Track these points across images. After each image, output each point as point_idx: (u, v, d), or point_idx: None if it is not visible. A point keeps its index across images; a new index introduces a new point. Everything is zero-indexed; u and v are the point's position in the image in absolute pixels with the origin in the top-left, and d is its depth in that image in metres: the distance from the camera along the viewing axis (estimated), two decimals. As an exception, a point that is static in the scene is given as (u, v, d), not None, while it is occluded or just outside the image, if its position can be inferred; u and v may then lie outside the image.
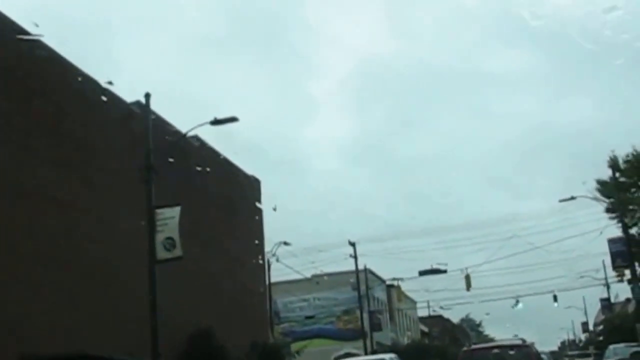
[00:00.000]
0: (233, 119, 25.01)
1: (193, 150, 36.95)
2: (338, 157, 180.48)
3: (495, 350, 19.78)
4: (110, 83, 24.57)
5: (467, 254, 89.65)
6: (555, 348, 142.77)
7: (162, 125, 30.93)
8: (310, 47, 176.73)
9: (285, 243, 45.67)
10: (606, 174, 46.86)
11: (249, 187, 43.22)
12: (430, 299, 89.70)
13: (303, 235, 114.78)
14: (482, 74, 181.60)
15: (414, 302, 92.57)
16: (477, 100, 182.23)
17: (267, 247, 45.46)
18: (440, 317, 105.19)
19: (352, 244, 56.56)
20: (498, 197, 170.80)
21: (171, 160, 27.16)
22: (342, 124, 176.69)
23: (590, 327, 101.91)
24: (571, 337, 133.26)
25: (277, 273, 69.68)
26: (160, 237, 24.05)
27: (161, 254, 24.00)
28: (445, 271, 48.27)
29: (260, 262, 42.98)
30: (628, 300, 71.01)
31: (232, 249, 39.40)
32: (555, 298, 62.51)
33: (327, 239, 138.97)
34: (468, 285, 47.65)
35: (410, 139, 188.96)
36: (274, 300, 46.24)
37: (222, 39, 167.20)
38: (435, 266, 49.23)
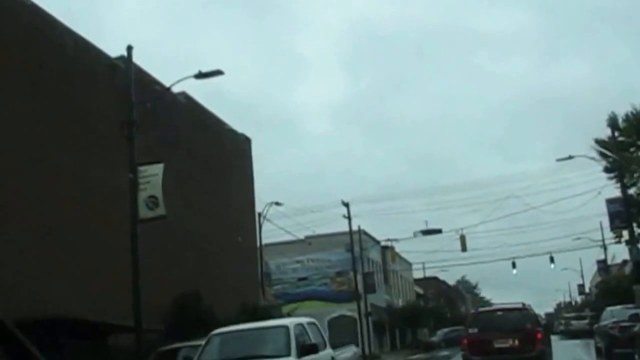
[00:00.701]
0: (218, 72, 23.98)
1: (180, 107, 35.97)
2: (329, 118, 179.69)
3: (499, 313, 22.46)
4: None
5: (461, 214, 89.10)
6: (551, 310, 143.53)
7: (146, 80, 29.86)
8: (302, 6, 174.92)
9: (277, 203, 44.77)
10: (602, 135, 45.91)
11: (239, 146, 42.28)
12: (426, 260, 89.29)
13: (295, 196, 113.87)
14: (475, 34, 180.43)
15: (409, 264, 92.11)
16: (470, 61, 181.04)
17: (258, 208, 44.65)
18: (435, 279, 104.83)
19: (346, 205, 55.61)
20: (491, 159, 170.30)
21: (154, 113, 26.05)
22: (334, 85, 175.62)
23: (587, 290, 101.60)
24: (567, 299, 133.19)
25: (270, 234, 69.26)
26: (142, 196, 23.13)
27: (144, 213, 23.10)
28: (440, 231, 47.31)
29: (251, 222, 42.11)
30: (624, 262, 70.52)
31: (221, 209, 38.56)
32: (552, 259, 61.84)
33: (320, 200, 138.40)
34: (463, 246, 46.94)
35: (403, 100, 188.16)
36: (266, 262, 45.43)
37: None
38: (429, 227, 48.44)
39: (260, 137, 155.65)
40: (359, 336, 57.84)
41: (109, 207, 25.88)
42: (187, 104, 36.85)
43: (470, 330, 22.04)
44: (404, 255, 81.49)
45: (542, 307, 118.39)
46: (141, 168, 23.47)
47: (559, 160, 40.11)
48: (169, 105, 34.45)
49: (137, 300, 22.42)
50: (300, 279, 69.30)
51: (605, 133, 47.26)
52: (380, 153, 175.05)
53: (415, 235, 48.41)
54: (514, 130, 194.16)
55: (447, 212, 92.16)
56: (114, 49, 29.71)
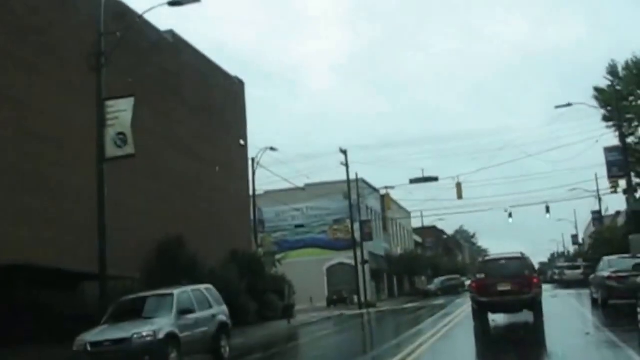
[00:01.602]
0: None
1: (167, 46, 33.10)
2: (332, 73, 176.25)
3: (502, 261, 24.71)
4: None
5: (459, 163, 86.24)
6: (544, 259, 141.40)
7: (125, 11, 26.86)
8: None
9: (272, 149, 41.99)
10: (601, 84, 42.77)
11: (231, 89, 39.40)
12: (424, 208, 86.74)
13: (295, 148, 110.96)
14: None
15: (407, 213, 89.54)
16: (468, 20, 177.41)
17: (253, 153, 41.95)
18: (434, 228, 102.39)
19: (344, 152, 52.79)
20: (490, 113, 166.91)
21: (137, 50, 23.17)
22: (335, 40, 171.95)
23: (580, 240, 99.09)
24: (561, 249, 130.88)
25: (268, 181, 66.60)
26: (110, 133, 20.38)
27: (111, 151, 20.38)
28: (436, 179, 44.40)
29: (243, 167, 39.45)
30: (618, 213, 68.11)
31: (212, 152, 35.91)
32: (547, 209, 58.87)
33: (318, 149, 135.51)
34: (459, 194, 43.99)
35: (405, 57, 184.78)
36: (260, 208, 42.84)
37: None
38: (427, 175, 45.60)
39: (263, 92, 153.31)
40: (357, 284, 55.18)
41: (79, 144, 23.14)
42: (175, 43, 33.94)
43: (478, 276, 24.58)
44: (402, 204, 78.88)
45: (537, 257, 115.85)
46: (109, 103, 20.69)
47: (558, 107, 37.26)
48: (155, 44, 31.66)
49: (102, 244, 19.85)
50: (298, 226, 66.78)
51: (604, 84, 44.35)
52: (382, 107, 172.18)
53: (411, 182, 45.50)
54: (512, 87, 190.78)
55: (445, 161, 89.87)
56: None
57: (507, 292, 22.84)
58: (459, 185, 43.75)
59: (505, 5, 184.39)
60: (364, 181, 67.30)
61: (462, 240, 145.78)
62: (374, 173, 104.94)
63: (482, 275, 24.01)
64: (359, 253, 58.98)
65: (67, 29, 24.32)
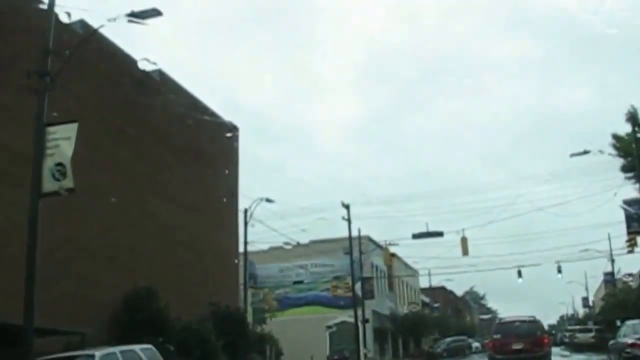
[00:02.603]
0: (154, 12, 17.56)
1: (153, 85, 29.71)
2: (342, 135, 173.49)
3: (516, 323, 26.27)
4: None
5: (465, 219, 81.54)
6: (554, 322, 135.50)
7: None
8: (318, 28, 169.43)
9: (268, 200, 38.22)
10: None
11: (224, 135, 35.79)
12: (429, 266, 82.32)
13: (297, 203, 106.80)
14: (483, 60, 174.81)
15: (415, 271, 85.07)
16: (479, 85, 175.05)
17: (247, 205, 38.20)
18: (443, 288, 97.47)
19: (346, 206, 48.80)
20: (498, 177, 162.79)
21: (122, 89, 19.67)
22: (348, 104, 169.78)
23: (590, 303, 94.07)
24: (570, 312, 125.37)
25: (264, 236, 62.52)
26: (49, 163, 16.73)
27: (48, 185, 16.68)
28: (441, 234, 40.28)
29: (232, 218, 35.60)
30: (630, 275, 63.86)
31: (198, 201, 32.17)
32: (559, 269, 54.12)
33: (323, 206, 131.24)
34: (465, 250, 39.71)
35: (414, 120, 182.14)
36: (251, 262, 38.78)
37: (232, 18, 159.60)
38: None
39: (275, 150, 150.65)
40: (358, 343, 50.71)
41: (19, 175, 19.46)
42: (162, 82, 30.56)
43: (495, 336, 26.44)
44: (405, 260, 74.52)
45: (546, 319, 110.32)
46: (50, 129, 17.09)
47: (573, 155, 33.25)
48: (142, 82, 28.32)
49: (30, 292, 15.98)
50: (296, 282, 62.59)
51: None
52: (390, 168, 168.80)
53: (414, 237, 41.35)
54: (519, 149, 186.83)
55: (452, 217, 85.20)
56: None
57: (521, 350, 24.60)
58: (464, 240, 39.58)
59: (515, 70, 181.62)
60: (369, 239, 63.34)
61: (472, 301, 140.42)
62: (381, 231, 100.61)
63: (498, 336, 25.90)
64: (360, 312, 54.91)
65: (16, 45, 20.88)
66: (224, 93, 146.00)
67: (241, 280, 36.80)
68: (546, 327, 59.09)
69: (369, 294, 53.74)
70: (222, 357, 27.83)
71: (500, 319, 32.49)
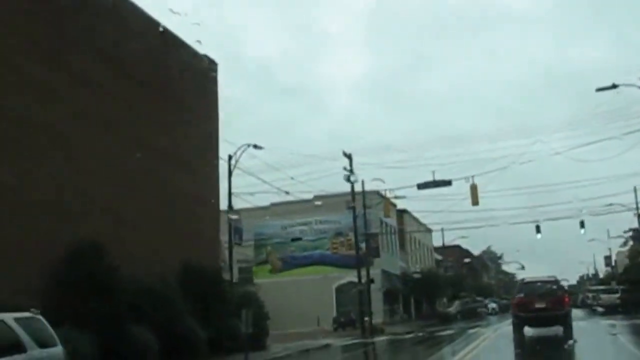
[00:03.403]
0: None
1: (108, 10, 25.19)
2: (350, 92, 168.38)
3: (538, 283, 27.58)
4: None
5: (475, 168, 76.11)
6: (573, 282, 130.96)
7: None
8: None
9: (256, 146, 33.80)
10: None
11: (200, 71, 31.28)
12: (441, 221, 77.60)
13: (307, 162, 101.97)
14: (495, 14, 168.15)
15: (427, 229, 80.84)
16: (489, 40, 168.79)
17: (230, 150, 33.88)
18: (457, 247, 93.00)
19: (348, 156, 44.16)
20: (508, 134, 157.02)
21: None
22: (356, 60, 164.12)
23: (613, 262, 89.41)
24: (591, 271, 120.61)
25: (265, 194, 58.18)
26: None
27: None
28: (449, 183, 35.33)
29: (211, 164, 31.21)
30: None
31: (167, 144, 27.82)
32: (582, 223, 48.86)
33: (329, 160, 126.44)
34: (474, 199, 34.75)
35: (423, 76, 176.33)
36: (238, 216, 34.35)
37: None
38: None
39: (282, 106, 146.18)
40: (361, 304, 46.55)
41: None
42: (119, 5, 26.00)
43: (518, 295, 26.97)
44: (415, 216, 70.05)
45: (564, 280, 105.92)
46: None
47: (599, 89, 28.59)
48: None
49: None
50: (294, 239, 58.37)
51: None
52: (400, 126, 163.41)
53: (419, 187, 36.48)
54: (533, 106, 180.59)
55: (462, 168, 79.65)
56: None
57: (542, 309, 25.38)
58: (474, 189, 34.67)
59: (527, 25, 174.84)
60: (378, 193, 58.86)
61: (489, 261, 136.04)
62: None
63: (521, 295, 26.63)
64: (366, 270, 50.62)
65: None
66: (228, 48, 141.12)
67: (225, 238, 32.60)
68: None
69: (374, 251, 49.41)
70: (190, 323, 23.69)
71: (523, 279, 31.49)
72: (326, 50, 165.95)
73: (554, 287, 27.19)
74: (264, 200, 53.93)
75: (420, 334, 35.07)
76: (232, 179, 33.84)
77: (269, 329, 29.38)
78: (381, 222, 61.63)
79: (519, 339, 24.61)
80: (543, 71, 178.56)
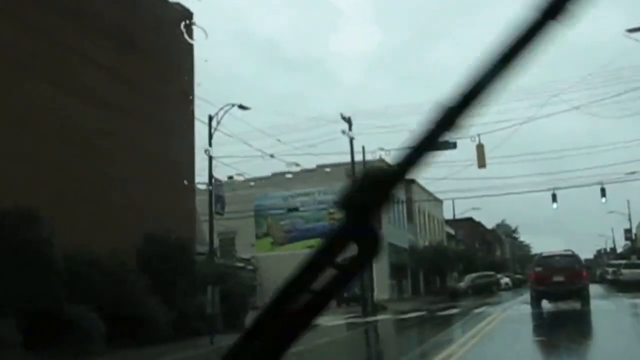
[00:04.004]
0: None
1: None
2: (358, 64, 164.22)
3: (556, 257, 27.97)
4: None
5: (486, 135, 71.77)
6: (590, 256, 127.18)
7: None
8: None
9: (241, 106, 30.37)
10: None
11: (172, 21, 27.72)
12: (448, 189, 74.08)
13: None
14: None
15: (439, 202, 77.27)
16: (503, 12, 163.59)
17: (211, 110, 30.44)
18: (470, 220, 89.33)
19: (347, 120, 40.46)
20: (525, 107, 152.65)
21: None
22: (364, 32, 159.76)
23: (633, 236, 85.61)
24: (610, 245, 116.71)
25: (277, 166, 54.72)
26: None
27: None
28: (454, 145, 31.13)
29: (185, 124, 27.77)
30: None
31: (131, 101, 24.47)
32: (603, 192, 44.34)
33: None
34: (481, 161, 30.61)
35: (435, 51, 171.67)
36: (218, 181, 30.80)
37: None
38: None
39: (291, 79, 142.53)
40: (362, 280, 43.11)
41: None
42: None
43: (536, 269, 27.81)
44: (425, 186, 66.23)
45: (582, 253, 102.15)
46: None
47: (630, 30, 24.94)
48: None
49: None
50: (291, 210, 54.94)
51: None
52: (409, 99, 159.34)
53: None
54: (547, 79, 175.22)
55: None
56: None
57: (560, 282, 25.57)
58: (480, 149, 30.73)
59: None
60: (383, 161, 55.29)
61: (503, 235, 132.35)
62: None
63: (540, 268, 26.99)
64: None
65: None
66: (235, 22, 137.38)
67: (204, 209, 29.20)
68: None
69: (376, 223, 45.82)
70: (149, 302, 20.42)
71: (541, 253, 31.49)
72: (333, 23, 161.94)
73: (572, 261, 27.43)
74: (250, 167, 50.54)
75: (422, 312, 31.72)
76: (227, 147, 30.50)
77: (248, 307, 26.03)
78: (387, 193, 58.17)
79: (537, 313, 24.15)
80: (559, 42, 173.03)
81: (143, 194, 24.13)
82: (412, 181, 65.67)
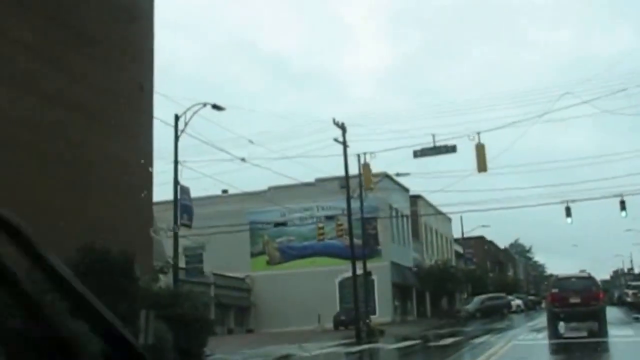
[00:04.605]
0: None
1: None
2: (368, 80, 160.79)
3: (573, 279, 28.13)
4: None
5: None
6: (607, 277, 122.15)
7: None
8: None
9: (216, 106, 26.67)
10: None
11: (127, 9, 23.88)
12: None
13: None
14: (519, 2, 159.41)
15: (448, 219, 73.18)
16: (513, 29, 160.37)
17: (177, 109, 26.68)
18: (481, 238, 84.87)
19: (341, 126, 36.43)
20: (536, 130, 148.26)
21: None
22: (374, 48, 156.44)
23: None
24: (627, 265, 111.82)
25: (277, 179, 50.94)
26: None
27: None
28: (453, 149, 27.01)
29: (144, 123, 23.93)
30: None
31: (76, 95, 20.72)
32: (622, 205, 39.60)
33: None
34: (482, 163, 25.89)
35: (445, 67, 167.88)
36: (185, 188, 26.70)
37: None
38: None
39: (300, 93, 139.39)
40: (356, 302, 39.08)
41: None
42: None
43: (553, 290, 27.29)
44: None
45: (598, 274, 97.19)
46: None
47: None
48: None
49: None
50: (278, 225, 50.93)
51: None
52: (420, 116, 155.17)
53: (416, 155, 28.09)
54: (559, 99, 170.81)
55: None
56: None
57: (577, 304, 25.46)
58: (480, 150, 26.19)
59: (551, 14, 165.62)
60: (388, 176, 51.36)
61: (517, 254, 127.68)
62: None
63: (557, 290, 26.94)
64: (384, 263, 43.09)
65: None
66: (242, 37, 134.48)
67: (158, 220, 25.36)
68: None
69: (371, 239, 41.99)
70: (73, 327, 16.51)
71: (558, 275, 31.28)
72: (344, 40, 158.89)
73: (588, 283, 27.43)
74: (242, 179, 46.59)
75: (416, 341, 27.60)
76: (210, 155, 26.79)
77: (207, 334, 22.09)
78: (390, 207, 54.23)
79: (546, 345, 22.50)
80: (569, 61, 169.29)
81: (86, 199, 20.41)
82: (419, 197, 61.76)
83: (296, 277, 54.22)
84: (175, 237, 25.48)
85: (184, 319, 20.60)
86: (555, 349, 18.37)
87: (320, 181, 52.26)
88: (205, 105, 26.88)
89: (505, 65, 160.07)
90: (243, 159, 27.77)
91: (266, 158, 61.54)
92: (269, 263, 56.57)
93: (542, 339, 21.37)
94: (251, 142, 29.34)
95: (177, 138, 25.97)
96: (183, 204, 25.87)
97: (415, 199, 61.45)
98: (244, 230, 51.93)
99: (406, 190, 58.10)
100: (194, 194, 53.07)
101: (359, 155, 37.24)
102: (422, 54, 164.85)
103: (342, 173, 40.87)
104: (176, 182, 25.83)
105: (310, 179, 51.19)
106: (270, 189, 54.86)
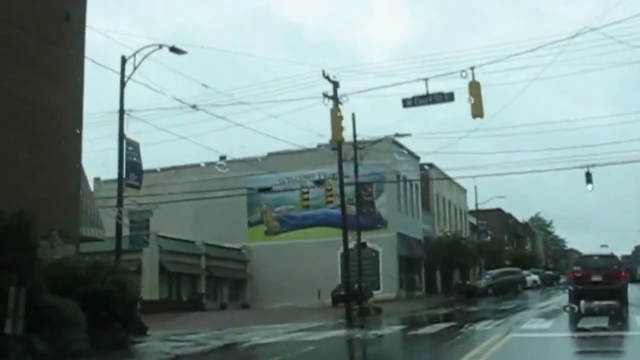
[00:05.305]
0: None
1: None
2: (385, 53, 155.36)
3: (595, 257, 27.91)
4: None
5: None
6: (628, 252, 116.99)
7: None
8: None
9: (174, 49, 22.30)
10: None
11: None
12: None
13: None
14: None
15: (463, 190, 68.57)
16: (533, 4, 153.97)
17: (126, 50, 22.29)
18: (498, 210, 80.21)
19: (333, 81, 31.64)
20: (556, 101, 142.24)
21: None
22: (392, 21, 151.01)
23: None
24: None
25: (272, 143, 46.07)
26: None
27: None
28: (451, 97, 22.05)
29: (75, 65, 19.54)
30: None
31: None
32: None
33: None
34: (477, 108, 19.84)
35: (464, 40, 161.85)
36: (133, 145, 22.18)
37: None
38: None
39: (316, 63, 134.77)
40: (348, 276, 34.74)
41: None
42: None
43: (575, 269, 27.36)
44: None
45: (619, 250, 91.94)
46: None
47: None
48: None
49: None
50: (261, 190, 46.55)
51: None
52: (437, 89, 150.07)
53: (405, 104, 23.08)
54: (579, 73, 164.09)
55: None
56: None
57: (599, 282, 25.65)
58: (474, 88, 20.45)
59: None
60: (394, 141, 46.84)
61: (537, 229, 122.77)
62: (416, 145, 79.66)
63: (579, 268, 26.97)
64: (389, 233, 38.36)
65: None
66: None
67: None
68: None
69: (366, 205, 37.53)
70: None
71: (581, 253, 31.76)
72: (361, 11, 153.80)
73: (610, 261, 27.51)
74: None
75: (403, 326, 23.22)
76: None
77: (133, 320, 17.89)
78: (398, 176, 49.74)
79: (572, 319, 22.09)
80: (589, 36, 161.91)
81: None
82: (431, 165, 57.31)
83: (296, 248, 50.29)
84: (120, 200, 21.25)
85: (106, 298, 16.42)
86: (560, 350, 13.64)
87: (323, 147, 48.00)
88: (161, 47, 22.54)
89: (524, 37, 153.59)
90: (194, 106, 23.33)
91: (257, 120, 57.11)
92: (267, 233, 52.59)
93: (549, 331, 16.55)
94: (205, 86, 24.85)
95: (123, 83, 21.67)
96: (128, 161, 21.61)
97: (427, 168, 56.96)
98: (232, 196, 47.41)
99: (417, 157, 53.45)
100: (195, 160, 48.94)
101: (353, 114, 32.60)
102: (438, 29, 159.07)
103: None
104: (122, 134, 21.57)
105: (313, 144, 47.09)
106: (269, 154, 50.86)
